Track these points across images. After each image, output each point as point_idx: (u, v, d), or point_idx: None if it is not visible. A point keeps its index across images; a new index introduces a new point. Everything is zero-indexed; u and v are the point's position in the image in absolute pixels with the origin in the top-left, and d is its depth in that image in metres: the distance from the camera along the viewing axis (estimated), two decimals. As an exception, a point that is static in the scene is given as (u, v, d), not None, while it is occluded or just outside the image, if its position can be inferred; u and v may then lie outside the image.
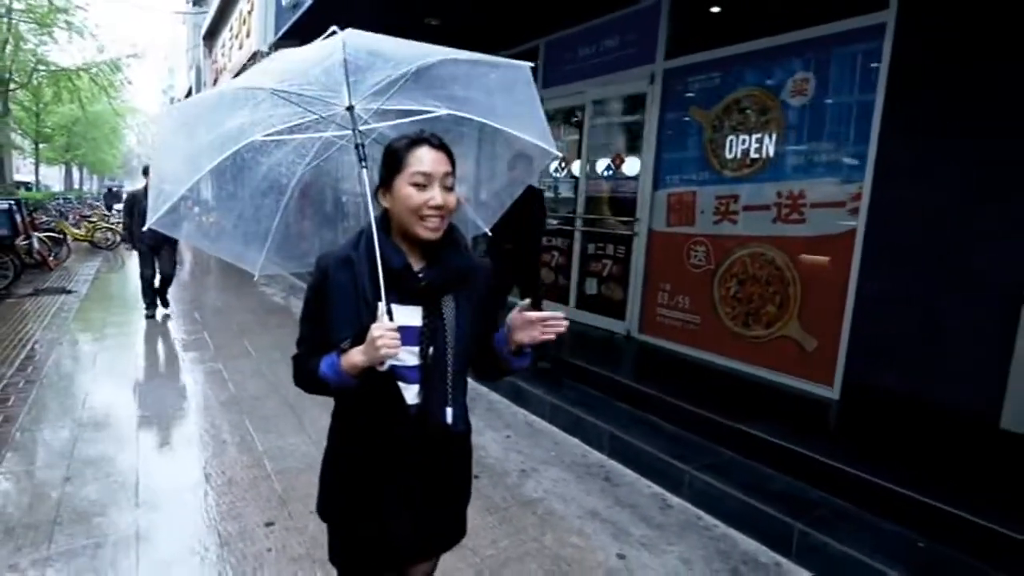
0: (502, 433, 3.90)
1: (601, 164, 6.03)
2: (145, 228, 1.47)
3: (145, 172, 6.70)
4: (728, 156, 4.65)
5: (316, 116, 1.43)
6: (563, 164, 6.55)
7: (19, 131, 23.80)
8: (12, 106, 19.89)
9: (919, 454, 3.10)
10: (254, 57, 8.50)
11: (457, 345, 1.30)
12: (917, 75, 3.49)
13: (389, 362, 1.20)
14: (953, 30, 3.35)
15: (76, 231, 13.52)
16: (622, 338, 5.55)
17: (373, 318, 1.19)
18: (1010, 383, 3.10)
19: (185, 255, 13.87)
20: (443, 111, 1.51)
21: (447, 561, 1.51)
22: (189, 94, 20.25)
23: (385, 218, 1.30)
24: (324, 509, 1.43)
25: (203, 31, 16.30)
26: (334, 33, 1.33)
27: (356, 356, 1.20)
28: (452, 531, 1.46)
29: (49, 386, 4.42)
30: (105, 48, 19.90)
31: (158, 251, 6.64)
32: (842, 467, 2.86)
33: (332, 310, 1.27)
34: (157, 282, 6.92)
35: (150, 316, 6.76)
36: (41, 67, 19.19)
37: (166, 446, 3.54)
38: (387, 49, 1.39)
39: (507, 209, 4.78)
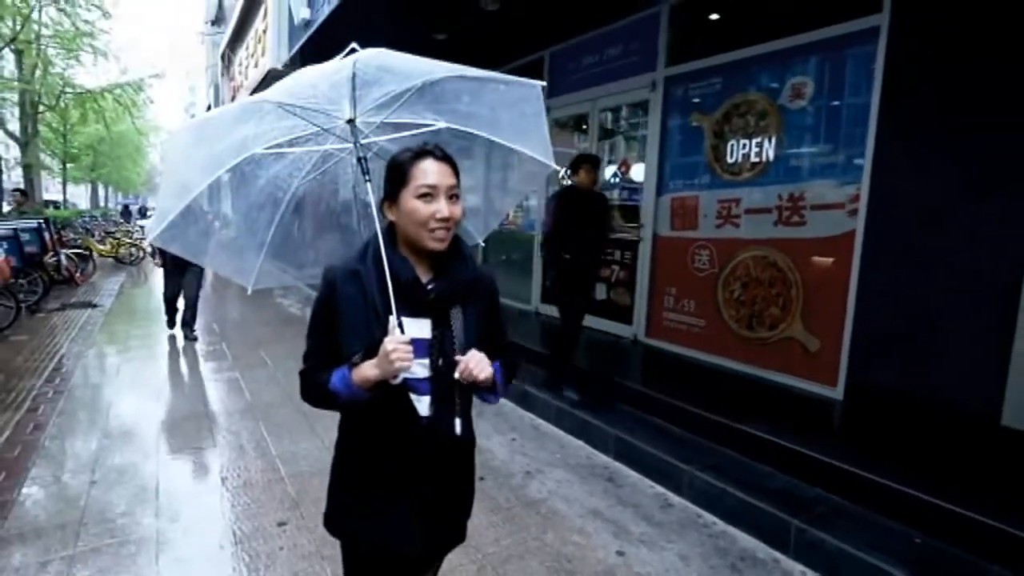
0: (508, 436, 3.98)
1: (608, 171, 6.11)
2: (146, 244, 1.60)
3: None
4: (729, 160, 4.71)
5: (317, 128, 1.45)
6: (567, 173, 6.64)
7: (48, 152, 24.58)
8: (41, 128, 20.58)
9: (919, 452, 3.12)
10: (268, 75, 8.75)
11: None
12: (911, 76, 3.53)
13: (402, 375, 1.20)
14: (945, 31, 3.39)
15: (101, 247, 13.93)
16: (629, 342, 5.61)
17: (385, 332, 1.20)
18: (1009, 380, 3.11)
19: (207, 270, 14.21)
20: (441, 124, 1.53)
21: (450, 558, 1.59)
22: (209, 111, 20.80)
23: (391, 231, 1.31)
24: (334, 523, 1.42)
25: (221, 50, 16.78)
26: (354, 50, 1.35)
27: (369, 370, 1.20)
28: (455, 536, 1.46)
29: (76, 396, 4.62)
30: (128, 69, 20.56)
31: (184, 271, 6.47)
32: (841, 465, 2.90)
33: (342, 324, 1.27)
34: (180, 304, 6.77)
35: (171, 332, 6.87)
36: (68, 89, 19.83)
37: (185, 451, 3.68)
38: (398, 65, 1.40)
39: (570, 217, 4.19)
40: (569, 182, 4.56)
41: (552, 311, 6.75)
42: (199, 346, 6.36)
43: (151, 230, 1.46)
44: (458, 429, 1.29)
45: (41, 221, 8.86)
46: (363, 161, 1.36)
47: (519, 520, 2.91)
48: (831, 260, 4.02)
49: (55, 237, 9.83)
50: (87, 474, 3.29)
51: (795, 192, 4.23)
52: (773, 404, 4.02)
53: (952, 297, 3.37)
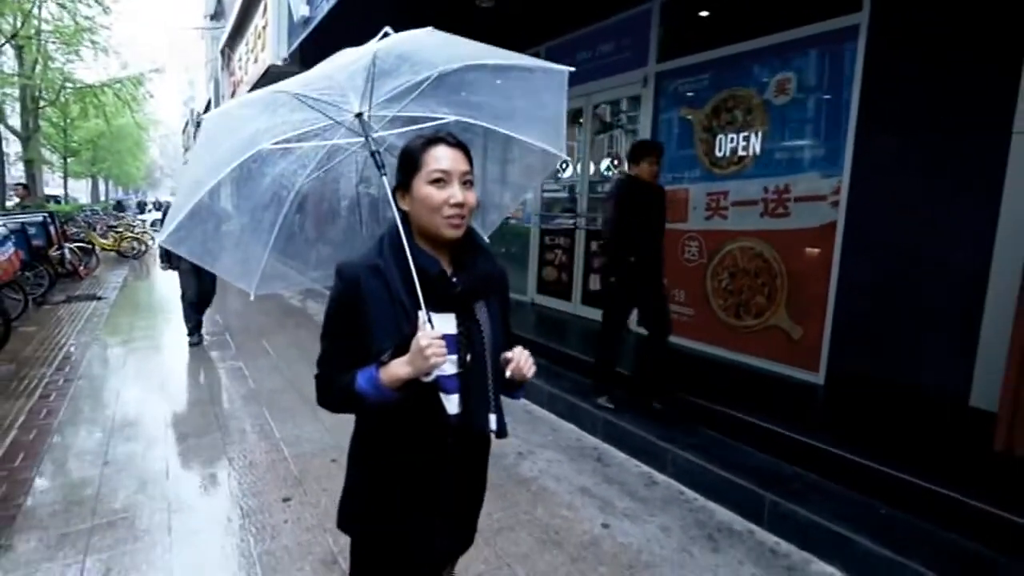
0: (503, 420, 4.14)
1: (602, 165, 6.26)
2: (155, 245, 1.63)
3: None
4: (718, 154, 4.85)
5: (327, 122, 1.41)
6: (564, 166, 6.79)
7: (48, 146, 24.69)
8: (42, 123, 20.68)
9: (890, 431, 3.28)
10: (268, 71, 8.86)
11: (494, 351, 1.28)
12: (889, 74, 3.67)
13: (434, 373, 1.17)
14: (921, 31, 3.52)
15: (104, 241, 14.07)
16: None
17: (413, 328, 1.17)
18: (977, 363, 3.26)
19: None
20: (451, 118, 1.49)
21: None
22: (208, 106, 20.87)
23: (405, 222, 1.25)
24: (349, 521, 1.37)
25: (221, 45, 16.85)
26: (387, 35, 1.32)
27: (400, 368, 1.15)
28: (468, 538, 1.45)
29: (86, 384, 4.78)
30: (128, 64, 20.64)
31: (201, 269, 6.11)
32: (815, 444, 3.07)
33: (368, 322, 1.20)
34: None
35: (195, 344, 6.02)
36: (68, 84, 19.92)
37: (192, 434, 3.84)
38: (417, 53, 1.37)
39: (632, 214, 3.61)
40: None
41: (549, 302, 6.92)
42: (207, 336, 6.52)
43: (164, 229, 1.43)
44: (494, 425, 1.27)
45: (46, 215, 9.01)
46: (376, 155, 1.32)
47: (511, 496, 3.07)
48: (813, 251, 4.17)
49: (59, 231, 9.98)
50: (99, 456, 3.45)
51: (780, 185, 4.38)
52: (757, 389, 4.18)
53: (925, 286, 3.52)
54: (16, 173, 25.42)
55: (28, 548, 2.53)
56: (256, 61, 10.67)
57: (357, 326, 1.21)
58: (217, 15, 22.41)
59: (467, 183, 1.22)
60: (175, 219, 1.43)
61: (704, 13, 5.04)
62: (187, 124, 29.18)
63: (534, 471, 3.38)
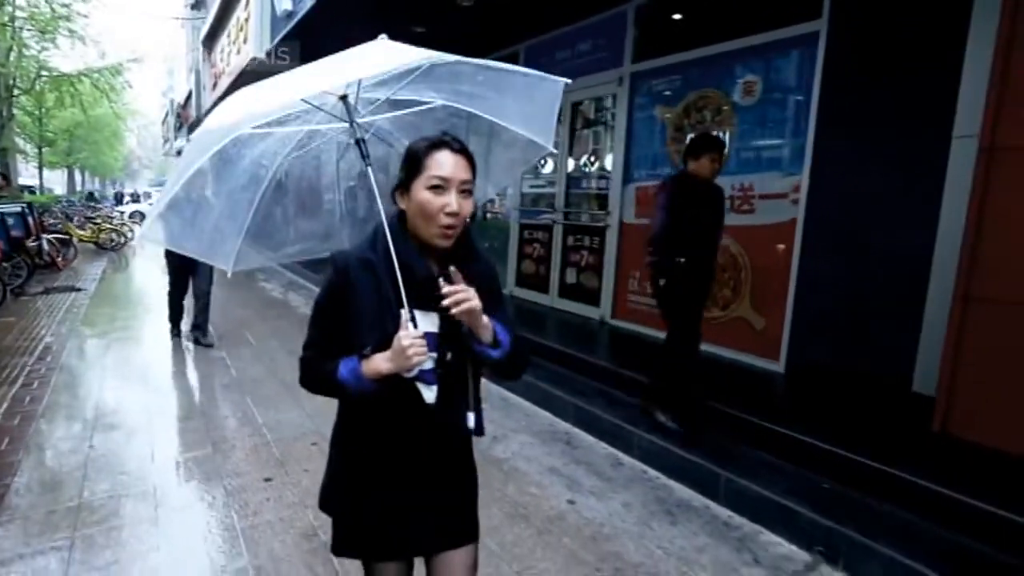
0: (479, 407, 4.31)
1: (579, 161, 6.43)
2: (135, 241, 1.67)
3: None
4: (688, 153, 5.03)
5: (307, 105, 1.40)
6: (543, 162, 6.95)
7: (23, 136, 24.24)
8: (16, 111, 20.33)
9: (840, 415, 3.50)
10: (250, 63, 8.87)
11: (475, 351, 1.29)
12: (845, 79, 3.88)
13: (415, 370, 1.20)
14: (874, 39, 3.73)
15: (82, 233, 13.93)
16: (597, 323, 5.95)
17: (397, 325, 1.18)
18: (919, 352, 3.50)
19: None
20: (439, 102, 1.48)
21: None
22: (189, 97, 20.64)
23: (402, 219, 1.28)
24: (329, 502, 1.40)
25: (202, 35, 16.69)
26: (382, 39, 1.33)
27: (381, 363, 1.19)
28: (468, 521, 1.43)
29: (68, 373, 4.84)
30: (106, 53, 20.36)
31: (193, 266, 5.62)
32: (767, 425, 3.28)
33: (353, 314, 1.24)
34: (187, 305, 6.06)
35: (177, 335, 6.00)
36: (44, 73, 19.63)
37: (176, 421, 3.95)
38: (410, 48, 1.36)
39: (686, 213, 3.27)
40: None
41: (527, 295, 7.09)
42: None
43: (145, 223, 1.45)
44: (471, 423, 1.28)
45: (24, 205, 8.95)
46: (362, 143, 1.32)
47: (483, 476, 3.16)
48: (776, 246, 4.38)
49: (37, 222, 9.90)
50: (84, 440, 3.54)
51: (746, 183, 4.58)
52: (720, 376, 4.38)
53: (875, 280, 3.75)
54: (-11, 163, 24.89)
55: (17, 526, 2.63)
56: (239, 53, 10.64)
57: (343, 316, 1.24)
58: (198, 4, 22.13)
59: (466, 191, 1.22)
60: (155, 211, 1.45)
61: (677, 16, 5.22)
62: (167, 114, 28.75)
63: (507, 453, 3.55)
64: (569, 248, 6.49)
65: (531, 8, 5.98)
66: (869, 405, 3.60)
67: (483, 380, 1.41)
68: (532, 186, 7.14)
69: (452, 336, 1.26)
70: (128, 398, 4.33)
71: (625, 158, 5.66)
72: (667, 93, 5.27)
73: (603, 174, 6.05)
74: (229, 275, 1.61)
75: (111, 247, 14.24)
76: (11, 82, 18.63)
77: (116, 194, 33.40)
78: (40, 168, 28.80)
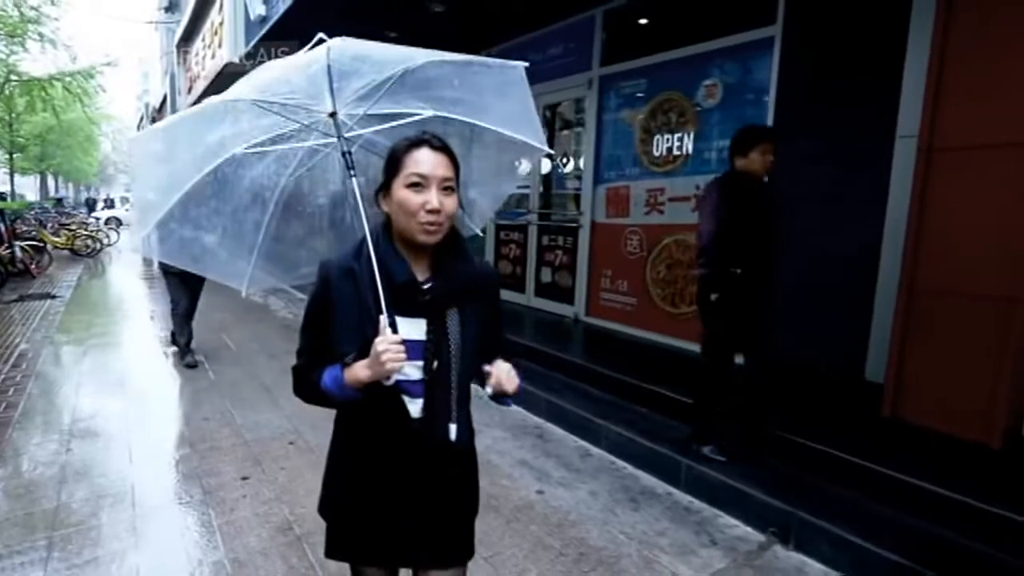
0: (454, 404, 4.41)
1: (552, 163, 6.57)
2: (143, 254, 1.66)
3: None
4: (655, 153, 5.21)
5: (299, 125, 1.42)
6: (519, 163, 7.06)
7: (-7, 141, 23.80)
8: (-15, 117, 19.98)
9: (795, 404, 3.67)
10: (225, 68, 8.87)
11: (461, 360, 1.27)
12: (799, 82, 4.06)
13: (394, 377, 1.19)
14: (824, 44, 3.91)
15: (56, 239, 13.76)
16: (571, 321, 6.09)
17: (376, 332, 1.18)
18: (870, 342, 3.68)
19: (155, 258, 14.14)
20: (429, 112, 1.49)
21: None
22: (164, 100, 20.42)
23: (387, 224, 1.27)
24: (325, 509, 1.42)
25: (176, 39, 16.55)
26: (321, 41, 1.32)
27: (360, 371, 1.19)
28: (458, 544, 1.41)
29: (44, 380, 4.85)
30: (78, 57, 20.08)
31: (192, 277, 4.98)
32: (727, 414, 3.43)
33: (335, 322, 1.24)
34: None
35: (191, 365, 5.21)
36: (13, 77, 19.30)
37: (154, 424, 3.99)
38: (373, 54, 1.37)
39: (739, 216, 2.90)
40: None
41: (505, 295, 7.18)
42: (162, 333, 6.58)
43: (135, 236, 1.57)
44: (453, 435, 1.26)
45: (-5, 213, 8.85)
46: (347, 156, 1.32)
47: None
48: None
49: (9, 229, 9.80)
50: (62, 444, 3.58)
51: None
52: (687, 370, 4.53)
53: (829, 274, 3.92)
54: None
55: (5, 524, 2.69)
56: (213, 57, 10.61)
57: (328, 324, 1.25)
58: (172, 7, 21.90)
59: (447, 189, 1.20)
60: (146, 226, 1.43)
61: (643, 21, 5.38)
62: (141, 119, 28.40)
63: (481, 447, 3.59)
64: (544, 248, 6.62)
65: (502, 12, 6.10)
66: (824, 394, 3.78)
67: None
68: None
69: (439, 343, 1.25)
70: (105, 403, 4.36)
71: (596, 160, 5.80)
72: (634, 96, 5.42)
73: (575, 175, 6.19)
74: (244, 295, 1.62)
75: (86, 253, 14.07)
76: (-21, 87, 18.31)
77: (88, 200, 32.71)
78: (11, 174, 28.24)
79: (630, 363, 4.56)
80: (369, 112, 1.44)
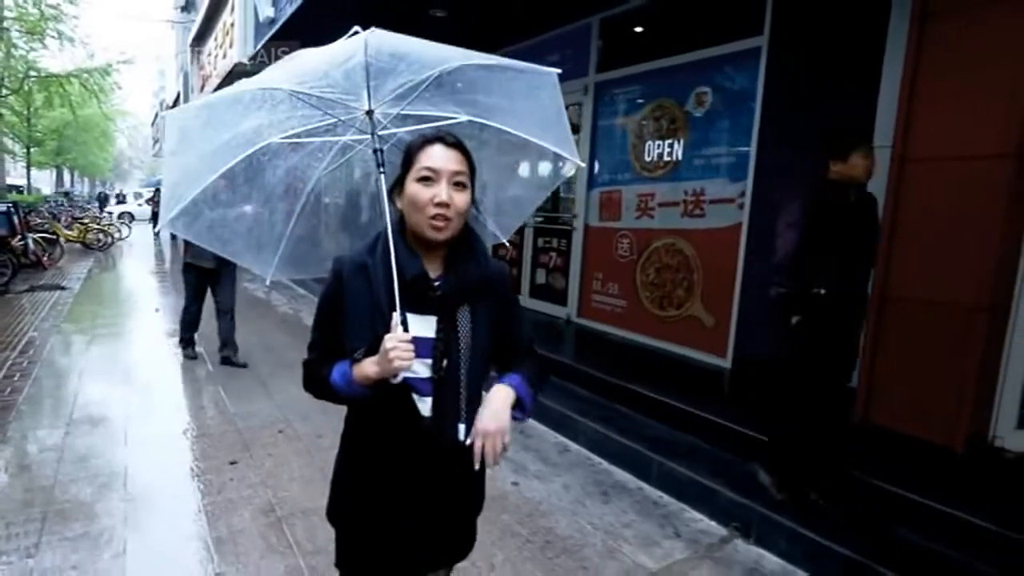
0: (442, 399, 4.53)
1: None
2: (157, 230, 1.62)
3: None
4: (647, 159, 5.31)
5: (335, 119, 1.42)
6: (561, 164, 7.18)
7: (11, 136, 24.25)
8: (3, 111, 20.37)
9: (770, 406, 3.75)
10: (235, 68, 9.09)
11: (472, 359, 1.26)
12: (784, 91, 4.15)
13: (403, 374, 1.18)
14: (807, 55, 4.00)
15: (68, 232, 14.05)
16: (563, 322, 6.20)
17: (387, 329, 1.17)
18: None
19: (166, 251, 14.44)
20: (464, 117, 1.49)
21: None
22: (178, 99, 20.78)
23: (401, 221, 1.27)
24: (334, 512, 1.41)
25: (190, 38, 16.86)
26: (356, 33, 1.32)
27: (369, 367, 1.18)
28: (462, 542, 1.43)
29: (49, 367, 5.03)
30: (95, 54, 20.47)
31: (215, 277, 5.06)
32: (700, 413, 3.54)
33: (346, 318, 1.25)
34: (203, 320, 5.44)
35: (191, 356, 5.34)
36: (32, 73, 19.69)
37: (150, 410, 4.14)
38: (409, 51, 1.37)
39: (828, 231, 2.55)
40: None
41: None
42: (166, 325, 6.76)
43: (164, 213, 1.43)
44: (462, 435, 1.24)
45: (9, 205, 9.11)
46: (379, 153, 1.32)
47: None
48: (724, 248, 4.64)
49: (22, 221, 10.05)
50: (62, 427, 3.74)
51: (697, 188, 4.85)
52: (671, 371, 4.65)
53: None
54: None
55: (3, 498, 2.85)
56: (225, 57, 10.86)
57: (339, 320, 1.25)
58: (188, 7, 22.29)
59: (458, 184, 1.20)
60: (176, 206, 1.41)
61: (638, 29, 5.49)
62: (156, 115, 28.86)
63: (462, 441, 3.77)
64: (539, 250, 6.73)
65: (503, 19, 6.24)
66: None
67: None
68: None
69: (449, 341, 1.24)
70: (105, 390, 4.52)
71: (590, 164, 5.91)
72: (628, 102, 5.53)
73: (570, 179, 6.30)
74: (268, 282, 1.63)
75: (98, 247, 14.37)
76: (-1, 82, 18.73)
77: (99, 195, 33.11)
78: (28, 168, 28.77)
79: (615, 364, 4.67)
80: (404, 112, 1.44)
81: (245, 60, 8.59)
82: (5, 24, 17.42)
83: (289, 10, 6.61)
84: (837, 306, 2.65)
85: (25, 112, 23.78)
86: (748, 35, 4.38)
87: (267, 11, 7.50)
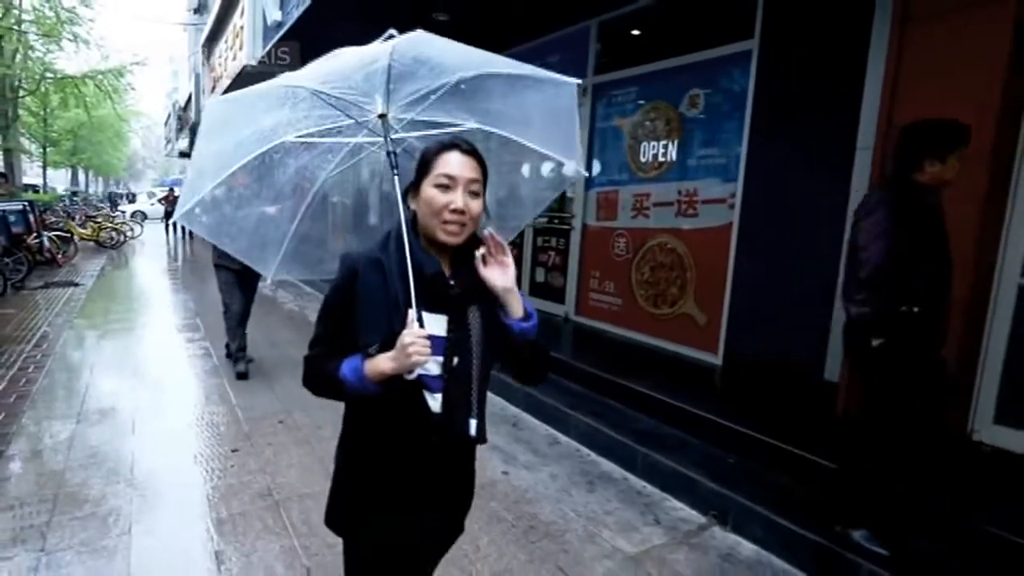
0: (438, 393, 4.66)
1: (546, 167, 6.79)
2: (172, 220, 1.56)
3: None
4: (642, 160, 5.41)
5: (348, 121, 1.45)
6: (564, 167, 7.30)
7: (28, 135, 24.74)
8: (21, 112, 20.80)
9: (756, 400, 3.86)
10: (243, 71, 9.26)
11: (482, 357, 1.28)
12: (774, 93, 4.24)
13: (417, 371, 1.19)
14: (796, 59, 4.09)
15: (82, 231, 14.35)
16: (561, 320, 6.31)
17: (403, 324, 1.18)
18: (829, 344, 3.84)
19: (178, 249, 14.70)
20: (471, 124, 1.52)
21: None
22: (190, 100, 21.07)
23: (413, 222, 1.29)
24: (336, 519, 1.40)
25: (202, 40, 17.12)
26: (392, 36, 1.34)
27: (384, 363, 1.18)
28: (456, 531, 1.48)
29: (62, 360, 5.21)
30: (110, 56, 20.85)
31: (245, 276, 4.84)
32: (686, 408, 3.64)
33: (360, 313, 1.24)
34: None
35: (242, 374, 4.82)
36: (48, 75, 20.10)
37: (158, 402, 4.30)
38: (433, 56, 1.38)
39: (916, 241, 2.26)
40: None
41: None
42: (176, 319, 6.95)
43: (180, 206, 1.46)
44: (473, 430, 1.28)
45: (26, 203, 9.36)
46: (392, 155, 1.35)
47: None
48: (715, 247, 4.73)
49: (38, 219, 10.31)
50: (73, 417, 3.90)
51: (690, 188, 4.94)
52: (663, 368, 4.74)
53: (795, 278, 4.09)
54: (-5, 162, 25.42)
55: (11, 484, 3.00)
56: (235, 59, 11.05)
57: (350, 315, 1.25)
58: (200, 8, 22.60)
59: (473, 192, 1.24)
60: (192, 198, 1.45)
61: (635, 32, 5.59)
62: (168, 116, 29.26)
63: (456, 433, 3.89)
64: (538, 249, 6.84)
65: (504, 22, 6.36)
66: (784, 391, 3.95)
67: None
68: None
69: (460, 340, 1.26)
70: (115, 382, 4.69)
71: (588, 165, 6.01)
72: (625, 104, 5.63)
73: (542, 170, 6.40)
74: (268, 281, 1.67)
75: (111, 245, 14.66)
76: (17, 83, 19.13)
77: (110, 195, 33.52)
78: (44, 167, 29.31)
79: (609, 360, 4.77)
80: (416, 118, 1.48)
81: (254, 62, 8.76)
82: (23, 27, 17.81)
83: (296, 13, 6.76)
84: (926, 326, 2.33)
85: (41, 113, 24.28)
86: (739, 39, 4.47)
87: (275, 15, 7.66)
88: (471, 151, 1.25)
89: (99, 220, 15.69)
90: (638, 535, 2.79)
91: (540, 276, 6.82)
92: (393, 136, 1.41)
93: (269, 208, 1.59)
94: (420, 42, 1.33)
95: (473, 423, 1.28)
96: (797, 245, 4.07)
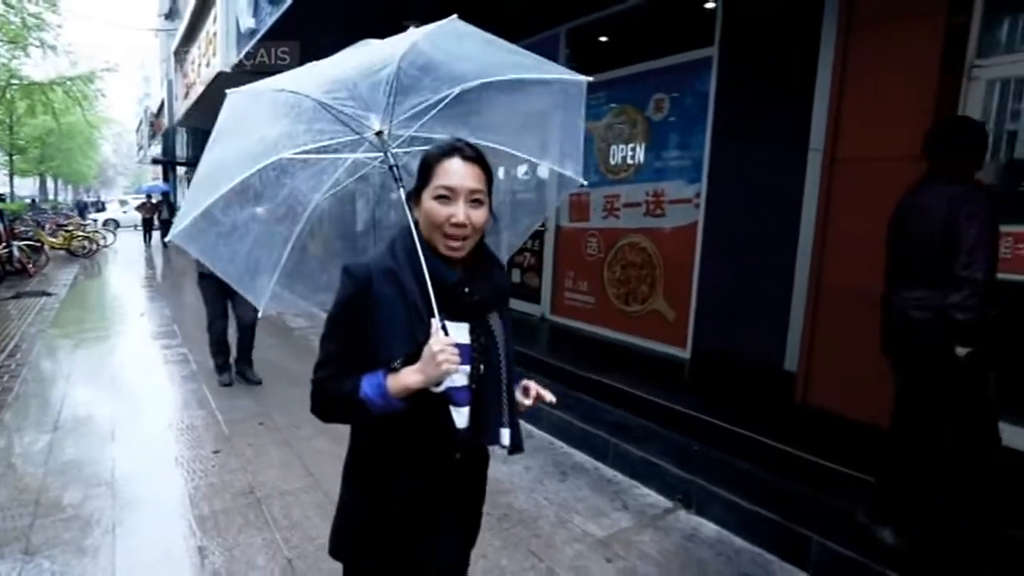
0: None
1: (520, 170, 6.94)
2: (167, 239, 1.49)
3: None
4: (612, 162, 5.58)
5: (346, 137, 1.39)
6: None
7: (-7, 144, 24.21)
8: (-14, 119, 20.38)
9: (720, 390, 4.04)
10: (218, 77, 9.27)
11: (508, 362, 1.25)
12: (733, 98, 4.43)
13: (445, 383, 1.14)
14: (753, 64, 4.28)
15: (53, 240, 14.12)
16: (537, 320, 6.45)
17: (427, 335, 1.12)
18: (788, 336, 4.03)
19: (156, 259, 14.55)
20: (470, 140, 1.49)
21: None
22: (162, 106, 20.84)
23: (418, 229, 1.21)
24: (344, 548, 1.32)
25: (174, 46, 16.96)
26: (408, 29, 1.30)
27: (410, 376, 1.11)
28: (475, 529, 1.46)
29: (37, 369, 5.20)
30: (79, 62, 20.51)
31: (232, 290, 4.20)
32: (654, 399, 3.80)
33: (377, 326, 1.15)
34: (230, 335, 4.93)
35: (226, 383, 4.75)
36: (14, 81, 19.70)
37: (136, 407, 4.33)
38: (442, 63, 1.33)
39: (993, 240, 2.11)
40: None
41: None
42: (152, 326, 6.94)
43: (177, 223, 1.40)
44: (506, 439, 1.23)
45: (-6, 213, 9.22)
46: (396, 168, 1.30)
47: None
48: (682, 245, 4.91)
49: (7, 229, 10.16)
50: (50, 425, 3.92)
51: (658, 189, 5.12)
52: (634, 363, 4.91)
53: (756, 275, 4.27)
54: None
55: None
56: (208, 65, 11.02)
57: (364, 330, 1.16)
58: (172, 14, 22.36)
59: (476, 201, 1.17)
60: (189, 215, 1.38)
61: (603, 38, 5.77)
62: (140, 123, 28.83)
63: (434, 430, 4.00)
64: (533, 252, 6.96)
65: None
66: (746, 381, 4.13)
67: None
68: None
69: (485, 347, 1.22)
70: (92, 389, 4.71)
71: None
72: (595, 108, 5.80)
73: (540, 181, 6.56)
74: (260, 314, 1.55)
75: (83, 254, 14.44)
76: (-20, 91, 18.74)
77: (78, 203, 32.89)
78: (11, 176, 28.63)
79: (583, 357, 4.92)
80: (413, 134, 1.43)
81: (228, 69, 8.78)
82: (-14, 33, 17.46)
83: (269, 21, 6.82)
84: (997, 333, 2.14)
85: (7, 120, 23.75)
86: (701, 46, 4.66)
87: (248, 22, 7.70)
88: (473, 157, 1.19)
89: (70, 229, 15.44)
90: (607, 520, 2.93)
91: (516, 277, 6.94)
92: (393, 150, 1.38)
93: (261, 219, 1.54)
94: (432, 47, 1.30)
95: (506, 432, 1.24)
96: (757, 242, 4.26)
